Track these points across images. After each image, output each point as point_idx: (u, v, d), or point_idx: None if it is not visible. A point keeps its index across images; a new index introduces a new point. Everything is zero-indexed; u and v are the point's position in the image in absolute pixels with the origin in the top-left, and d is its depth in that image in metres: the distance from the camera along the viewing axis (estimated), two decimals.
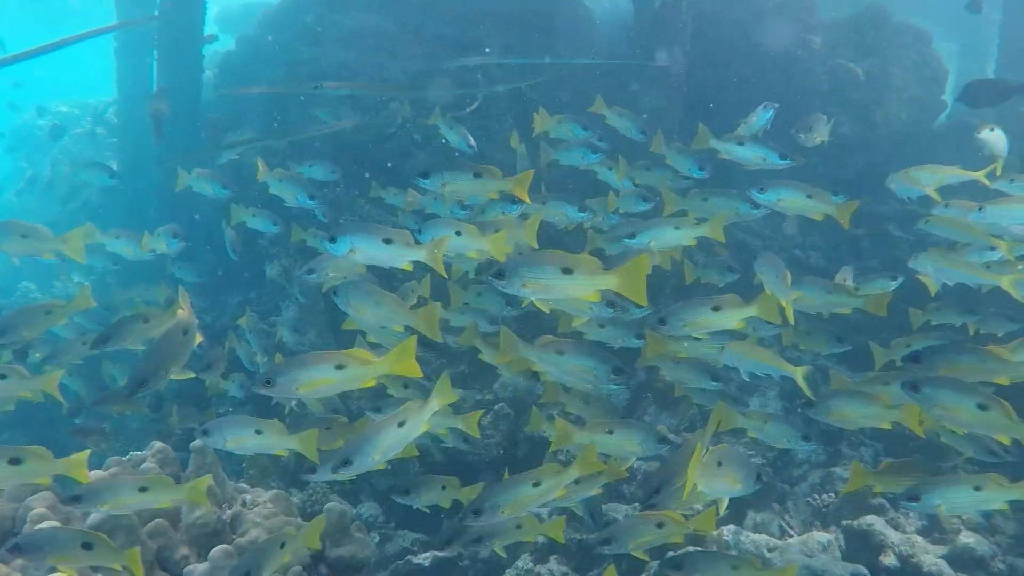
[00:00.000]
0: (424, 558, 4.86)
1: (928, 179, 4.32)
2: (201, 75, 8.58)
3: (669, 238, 3.75)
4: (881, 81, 6.82)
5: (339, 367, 2.55)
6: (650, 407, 5.30)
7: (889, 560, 4.30)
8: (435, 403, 2.57)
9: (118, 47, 9.74)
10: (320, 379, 2.55)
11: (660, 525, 3.24)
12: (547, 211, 4.05)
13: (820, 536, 4.47)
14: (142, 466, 3.20)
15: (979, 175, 4.23)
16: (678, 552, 3.62)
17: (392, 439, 2.54)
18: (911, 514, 4.70)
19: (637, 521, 3.35)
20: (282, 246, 6.03)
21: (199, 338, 3.13)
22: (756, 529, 4.72)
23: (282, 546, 2.61)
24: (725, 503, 3.34)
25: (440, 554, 4.89)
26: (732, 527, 4.54)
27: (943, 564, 4.22)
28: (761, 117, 4.76)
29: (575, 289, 2.75)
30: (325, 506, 3.22)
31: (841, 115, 6.82)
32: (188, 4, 8.38)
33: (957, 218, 3.95)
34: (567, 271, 2.71)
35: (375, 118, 6.46)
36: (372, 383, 2.60)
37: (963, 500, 3.22)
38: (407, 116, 6.32)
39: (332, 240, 2.89)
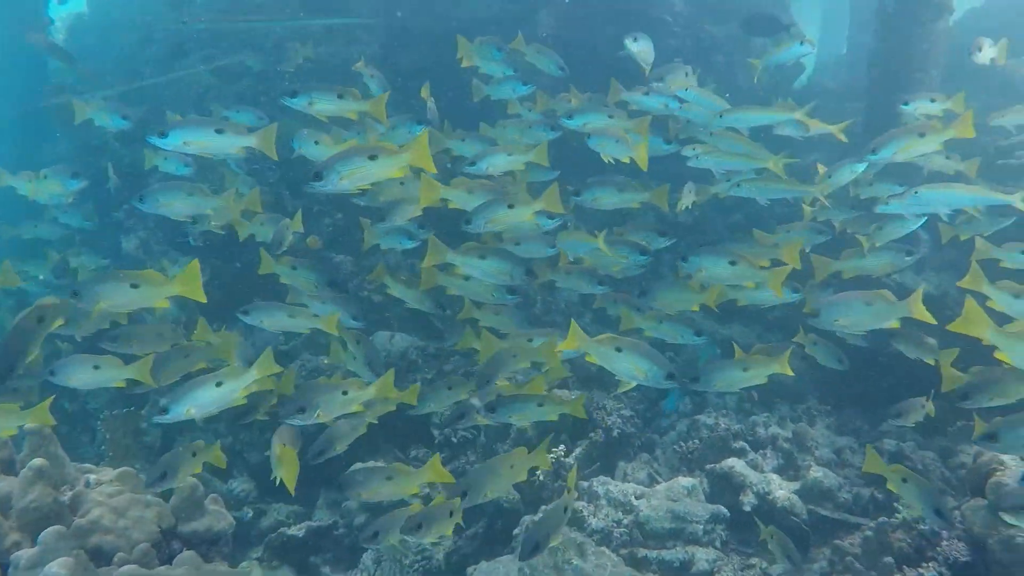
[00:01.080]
0: (298, 528, 4.80)
1: None
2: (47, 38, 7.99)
3: (500, 163, 4.22)
4: (742, 44, 7.08)
5: (134, 286, 2.98)
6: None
7: (748, 499, 4.54)
8: (255, 372, 2.77)
9: None
10: (118, 297, 2.99)
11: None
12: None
13: (685, 481, 4.65)
14: None
15: None
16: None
17: (208, 397, 2.79)
18: (768, 454, 4.99)
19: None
20: (140, 218, 5.74)
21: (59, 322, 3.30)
22: (625, 479, 4.89)
23: None
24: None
25: (313, 524, 4.84)
26: (601, 478, 4.68)
27: (795, 498, 4.50)
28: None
29: (381, 171, 3.23)
30: (177, 484, 3.10)
31: (706, 76, 7.05)
32: None
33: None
34: (372, 157, 3.23)
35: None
36: (166, 303, 3.08)
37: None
38: (308, 55, 6.12)
39: (163, 135, 3.02)
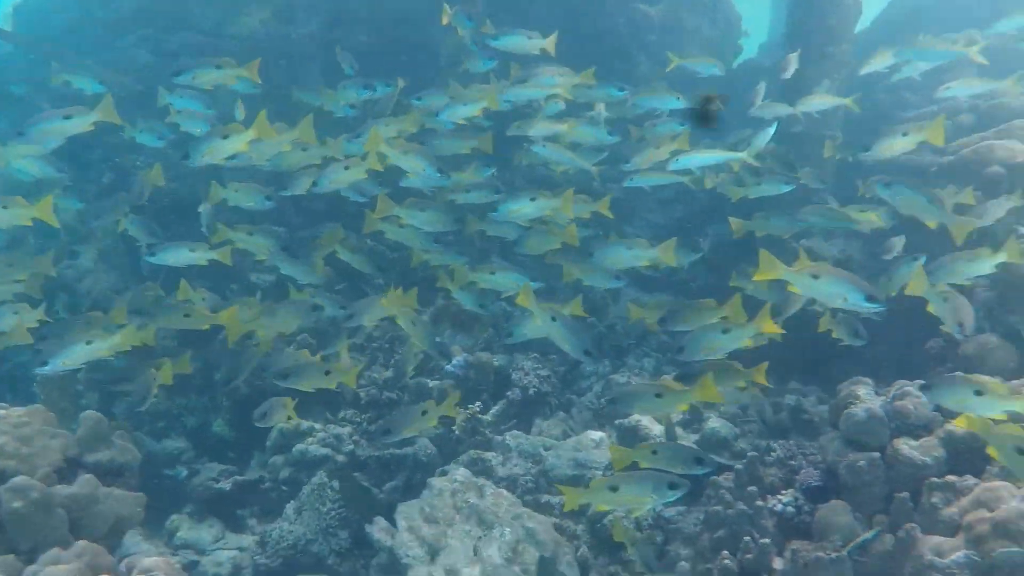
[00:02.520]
0: (226, 482, 5.02)
1: None
2: None
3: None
4: (675, 24, 7.36)
5: None
6: (447, 329, 5.62)
7: None
8: (119, 340, 3.08)
9: None
10: None
11: None
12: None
13: (594, 435, 4.91)
14: None
15: None
16: None
17: (78, 352, 3.22)
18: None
19: None
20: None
21: None
22: (541, 434, 5.14)
23: None
24: None
25: (240, 478, 5.06)
26: (515, 432, 4.94)
27: (694, 447, 4.77)
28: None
29: (232, 146, 3.97)
30: (81, 414, 3.32)
31: (639, 55, 7.33)
32: None
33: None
34: (225, 136, 3.97)
35: None
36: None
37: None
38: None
39: (20, 134, 4.09)
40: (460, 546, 3.68)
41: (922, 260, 4.50)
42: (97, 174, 6.32)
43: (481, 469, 4.62)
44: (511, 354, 5.54)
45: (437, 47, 7.02)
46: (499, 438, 4.87)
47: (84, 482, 2.93)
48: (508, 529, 3.75)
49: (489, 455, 4.69)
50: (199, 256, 4.29)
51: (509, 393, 5.22)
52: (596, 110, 5.03)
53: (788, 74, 5.38)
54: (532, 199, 4.48)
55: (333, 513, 4.60)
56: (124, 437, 3.42)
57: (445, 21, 5.71)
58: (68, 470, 3.19)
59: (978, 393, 3.08)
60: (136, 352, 3.79)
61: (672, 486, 3.09)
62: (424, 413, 3.86)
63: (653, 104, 5.30)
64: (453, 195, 4.93)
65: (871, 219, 4.76)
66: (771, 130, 4.97)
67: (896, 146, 4.40)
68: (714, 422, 4.91)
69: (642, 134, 5.32)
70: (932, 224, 4.28)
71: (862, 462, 3.45)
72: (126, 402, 5.71)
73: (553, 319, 3.64)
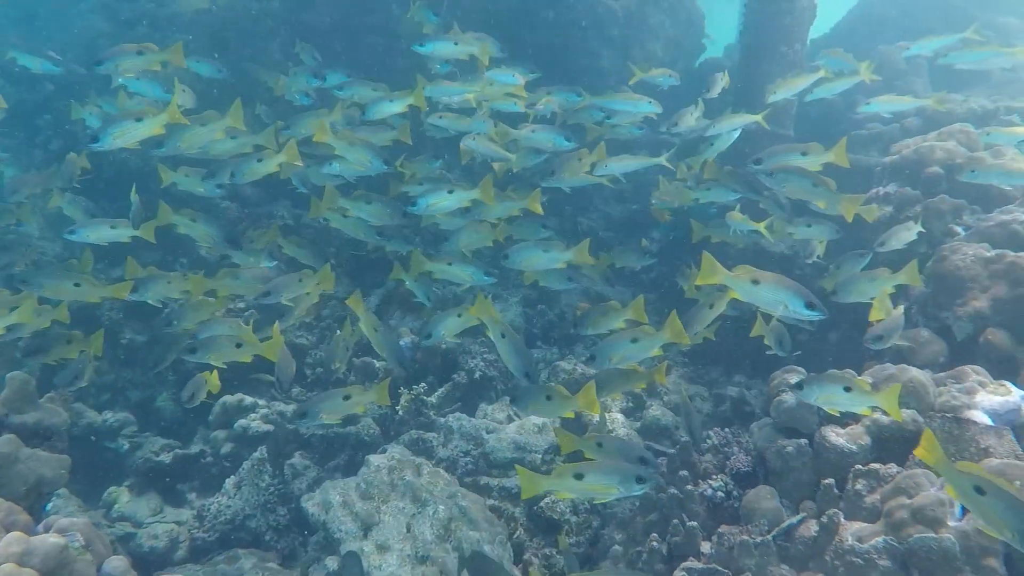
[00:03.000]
0: (166, 456, 4.97)
1: None
2: None
3: None
4: (638, 20, 7.40)
5: None
6: (395, 311, 5.62)
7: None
8: (13, 317, 3.37)
9: None
10: None
11: None
12: None
13: (537, 420, 4.93)
14: None
15: None
16: None
17: None
18: (620, 397, 5.31)
19: None
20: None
21: None
22: (485, 417, 5.16)
23: None
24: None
25: (181, 451, 5.02)
26: (457, 414, 4.95)
27: (634, 434, 4.84)
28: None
29: (147, 129, 3.95)
30: (8, 375, 3.27)
31: (602, 50, 7.36)
32: None
33: None
34: (139, 119, 3.96)
35: None
36: None
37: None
38: None
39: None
40: (393, 522, 3.69)
41: (868, 258, 4.63)
42: (45, 139, 6.21)
43: (422, 449, 4.64)
44: (460, 338, 5.54)
45: (399, 31, 7.00)
46: (442, 420, 4.88)
47: (4, 441, 2.88)
48: (442, 507, 3.76)
49: (430, 436, 4.71)
50: (119, 233, 4.26)
51: (455, 376, 5.24)
52: (542, 103, 5.05)
53: (714, 94, 5.44)
54: (450, 191, 4.48)
55: (272, 489, 4.58)
56: (54, 401, 3.37)
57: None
58: None
59: (847, 389, 3.31)
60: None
61: (639, 479, 3.05)
62: (347, 399, 3.74)
63: (623, 107, 5.31)
64: (406, 187, 4.97)
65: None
66: (723, 141, 5.06)
67: (793, 164, 4.47)
68: (655, 410, 4.98)
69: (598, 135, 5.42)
70: (822, 204, 4.47)
71: (790, 448, 3.52)
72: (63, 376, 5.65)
73: (503, 336, 3.79)
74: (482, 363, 5.31)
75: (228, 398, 5.06)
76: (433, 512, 3.74)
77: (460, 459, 4.56)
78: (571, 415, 3.71)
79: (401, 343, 5.29)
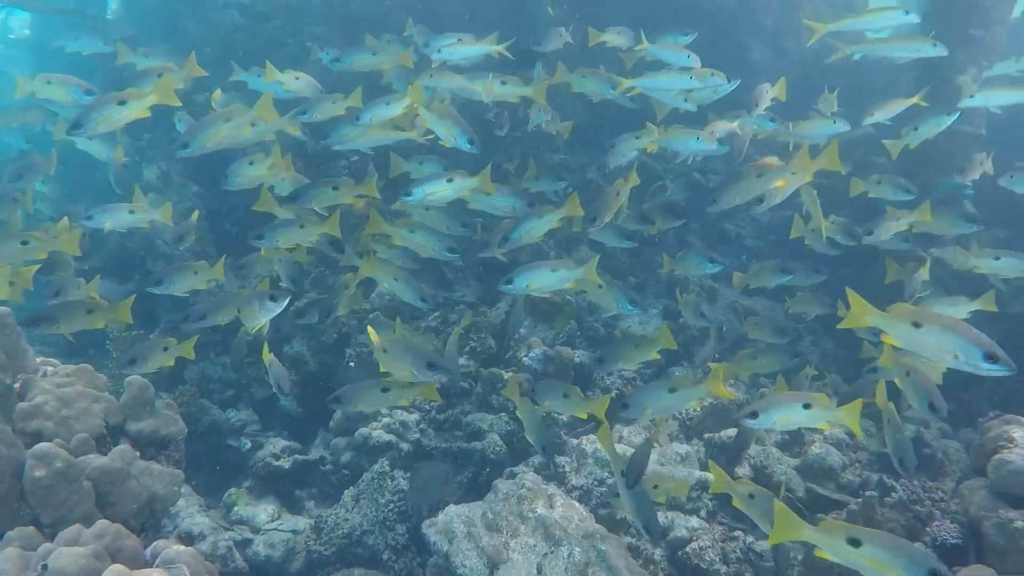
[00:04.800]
0: (286, 461, 4.80)
1: None
2: None
3: None
4: (792, 4, 6.69)
5: None
6: (527, 319, 5.24)
7: (743, 470, 4.32)
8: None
9: None
10: None
11: None
12: None
13: (680, 447, 4.46)
14: None
15: None
16: None
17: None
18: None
19: None
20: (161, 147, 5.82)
21: None
22: (620, 442, 4.70)
23: None
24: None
25: (300, 457, 4.83)
26: (591, 437, 4.51)
27: (793, 474, 4.25)
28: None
29: (131, 113, 3.62)
30: (127, 379, 3.10)
31: (752, 40, 6.71)
32: None
33: None
34: (122, 103, 3.60)
35: None
36: None
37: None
38: None
39: None
40: (523, 562, 3.30)
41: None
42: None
43: (552, 474, 4.23)
44: (594, 350, 5.12)
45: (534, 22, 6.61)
46: (575, 441, 4.46)
47: (117, 454, 2.68)
48: (578, 549, 3.33)
49: (562, 460, 4.29)
50: (138, 219, 4.16)
51: (589, 393, 4.80)
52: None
53: (761, 109, 4.64)
54: (449, 180, 4.01)
55: (392, 505, 4.30)
56: (171, 407, 3.17)
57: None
58: (109, 438, 2.97)
59: (806, 407, 3.00)
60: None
61: (933, 573, 2.25)
62: (385, 391, 3.35)
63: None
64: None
65: None
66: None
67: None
68: (819, 447, 4.37)
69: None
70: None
71: (1019, 522, 2.86)
72: (198, 367, 5.62)
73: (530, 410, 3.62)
74: (619, 380, 4.85)
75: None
76: (568, 554, 3.31)
77: (595, 488, 4.12)
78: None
79: (532, 354, 4.90)
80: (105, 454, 2.79)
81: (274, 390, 3.95)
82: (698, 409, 4.73)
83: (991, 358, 2.51)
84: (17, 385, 2.94)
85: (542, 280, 3.82)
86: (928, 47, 4.43)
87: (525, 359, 4.92)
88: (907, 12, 4.28)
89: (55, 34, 6.55)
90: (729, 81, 4.41)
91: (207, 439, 5.22)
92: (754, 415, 3.05)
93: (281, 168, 4.18)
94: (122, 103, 3.58)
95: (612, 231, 4.43)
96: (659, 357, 4.02)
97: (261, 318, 3.47)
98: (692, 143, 4.48)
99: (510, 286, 3.81)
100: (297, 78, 4.65)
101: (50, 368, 3.13)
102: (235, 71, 4.91)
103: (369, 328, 3.75)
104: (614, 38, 5.13)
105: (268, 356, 3.84)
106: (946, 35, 5.12)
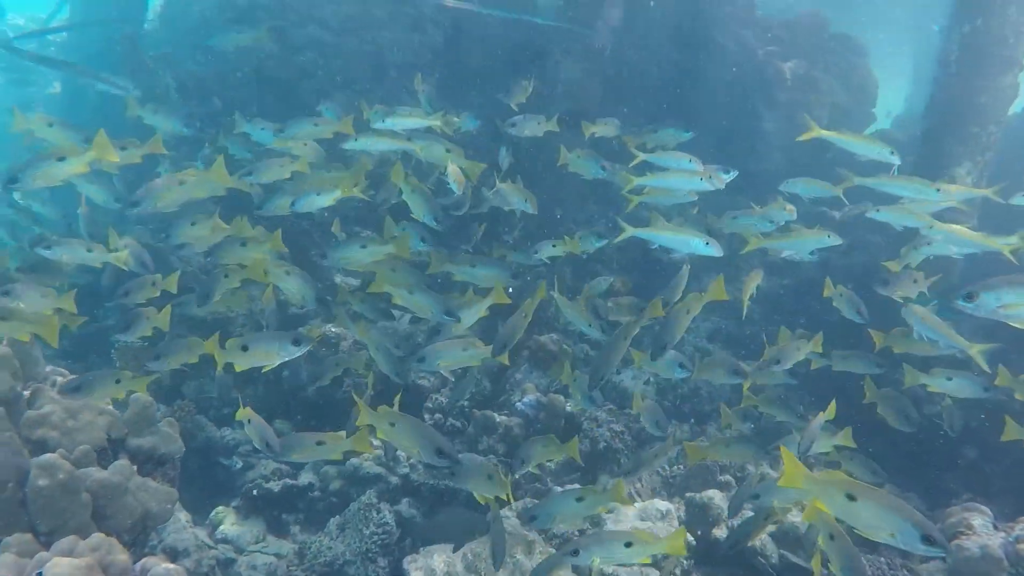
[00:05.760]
0: (275, 484, 4.89)
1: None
2: (146, 4, 8.57)
3: None
4: (807, 84, 6.91)
5: None
6: (523, 365, 5.36)
7: (720, 532, 4.39)
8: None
9: None
10: None
11: None
12: None
13: (661, 504, 4.54)
14: None
15: None
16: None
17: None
18: None
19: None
20: None
21: None
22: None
23: None
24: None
25: (290, 482, 4.92)
26: (576, 486, 4.60)
27: (768, 540, 4.32)
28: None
29: (70, 169, 3.72)
30: (131, 396, 3.22)
31: (765, 112, 6.92)
32: None
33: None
34: (61, 159, 3.68)
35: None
36: None
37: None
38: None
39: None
40: None
41: None
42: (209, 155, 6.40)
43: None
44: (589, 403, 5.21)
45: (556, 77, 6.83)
46: (559, 489, 4.55)
47: (117, 469, 2.80)
48: None
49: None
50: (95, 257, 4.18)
51: (582, 446, 4.90)
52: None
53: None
54: (363, 246, 4.24)
55: (376, 537, 4.38)
56: (172, 425, 3.29)
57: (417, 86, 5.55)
58: (110, 451, 3.09)
59: (628, 545, 2.99)
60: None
61: (926, 539, 2.46)
62: (320, 444, 3.44)
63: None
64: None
65: None
66: None
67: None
68: (795, 515, 4.44)
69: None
70: None
71: None
72: (196, 383, 5.74)
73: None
74: (608, 433, 4.95)
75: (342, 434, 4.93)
76: None
77: (574, 537, 4.20)
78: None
79: (525, 400, 5.01)
80: (105, 467, 2.92)
81: (259, 448, 3.63)
82: (683, 467, 4.83)
83: (928, 540, 2.44)
84: (27, 393, 3.07)
85: (452, 358, 3.96)
86: (886, 152, 4.49)
87: (518, 404, 5.03)
88: (892, 152, 4.43)
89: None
90: (728, 172, 4.54)
91: (200, 455, 5.31)
92: (575, 553, 3.03)
93: (220, 230, 4.35)
94: (61, 159, 3.68)
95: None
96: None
97: (276, 361, 3.44)
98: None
99: (422, 364, 3.93)
100: (305, 144, 4.82)
101: (59, 379, 3.26)
102: (238, 123, 5.06)
103: (359, 402, 3.40)
104: (603, 129, 5.44)
105: (246, 412, 3.57)
106: (945, 130, 5.33)
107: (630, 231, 4.30)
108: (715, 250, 4.14)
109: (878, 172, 4.50)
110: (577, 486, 3.78)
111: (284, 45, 6.54)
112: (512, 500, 3.69)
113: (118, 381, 3.13)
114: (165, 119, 5.34)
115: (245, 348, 3.32)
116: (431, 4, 6.74)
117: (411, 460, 4.89)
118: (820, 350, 4.36)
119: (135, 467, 2.97)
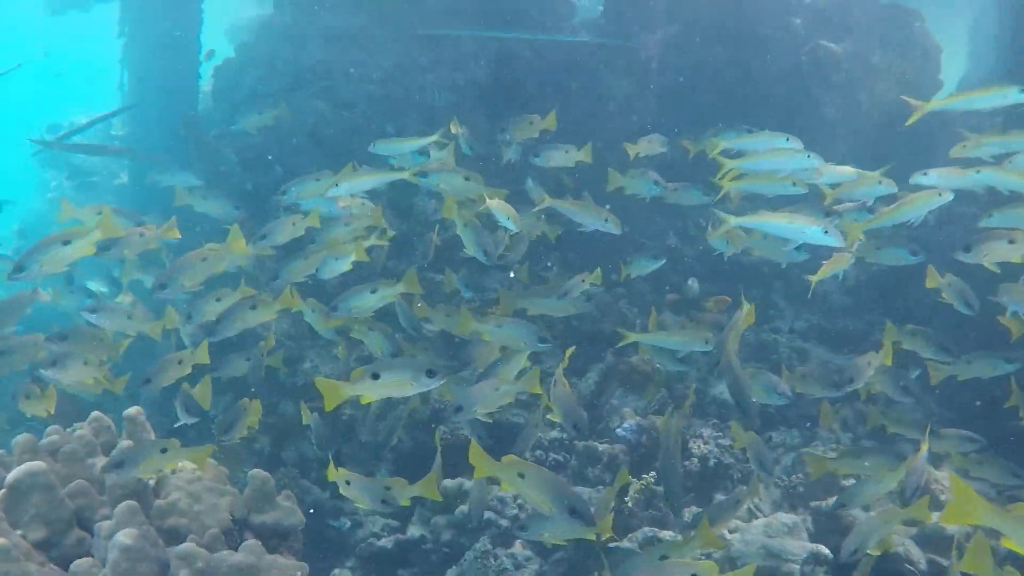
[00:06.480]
0: (388, 541, 4.85)
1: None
2: (197, 84, 8.85)
3: None
4: (863, 60, 6.69)
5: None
6: (617, 389, 5.24)
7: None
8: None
9: (124, 57, 10.04)
10: None
11: None
12: None
13: (785, 517, 4.34)
14: (76, 434, 3.24)
15: None
16: None
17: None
18: None
19: None
20: None
21: None
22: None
23: None
24: None
25: (402, 537, 4.88)
26: (693, 507, 4.45)
27: (911, 544, 4.09)
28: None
29: (77, 252, 3.67)
30: (250, 472, 3.22)
31: (824, 96, 6.73)
32: (185, 19, 8.82)
33: None
34: (66, 242, 3.63)
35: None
36: None
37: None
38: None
39: None
40: None
41: None
42: None
43: (661, 554, 4.16)
44: (688, 419, 5.06)
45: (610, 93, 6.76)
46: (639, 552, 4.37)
47: (249, 549, 2.78)
48: None
49: (666, 534, 4.23)
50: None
51: (687, 463, 4.74)
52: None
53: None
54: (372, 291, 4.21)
55: None
56: (290, 498, 3.28)
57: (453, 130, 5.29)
58: (235, 531, 3.08)
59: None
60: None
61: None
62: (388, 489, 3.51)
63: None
64: None
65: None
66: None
67: None
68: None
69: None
70: None
71: None
72: (295, 448, 5.77)
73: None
74: (716, 448, 4.78)
75: (448, 482, 4.88)
76: None
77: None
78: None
79: (625, 426, 4.89)
80: (232, 547, 2.91)
81: (375, 508, 3.77)
82: (803, 475, 4.63)
83: None
84: (152, 482, 3.09)
85: (487, 402, 3.69)
86: (1016, 93, 4.08)
87: (619, 430, 4.90)
88: (1021, 91, 3.91)
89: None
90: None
91: (309, 519, 5.31)
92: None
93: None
94: (66, 243, 3.64)
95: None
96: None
97: (409, 392, 3.21)
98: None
99: (459, 414, 3.69)
100: (363, 203, 4.79)
101: (180, 465, 3.28)
102: (284, 200, 5.00)
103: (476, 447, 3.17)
104: (647, 147, 5.26)
105: (342, 474, 3.60)
106: None
107: (731, 221, 3.96)
108: (835, 239, 3.78)
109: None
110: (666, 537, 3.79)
111: (333, 103, 6.66)
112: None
113: (163, 451, 2.99)
114: (215, 204, 5.56)
115: (376, 376, 3.08)
116: (469, 41, 6.78)
117: (518, 500, 4.80)
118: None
119: (262, 544, 2.96)
